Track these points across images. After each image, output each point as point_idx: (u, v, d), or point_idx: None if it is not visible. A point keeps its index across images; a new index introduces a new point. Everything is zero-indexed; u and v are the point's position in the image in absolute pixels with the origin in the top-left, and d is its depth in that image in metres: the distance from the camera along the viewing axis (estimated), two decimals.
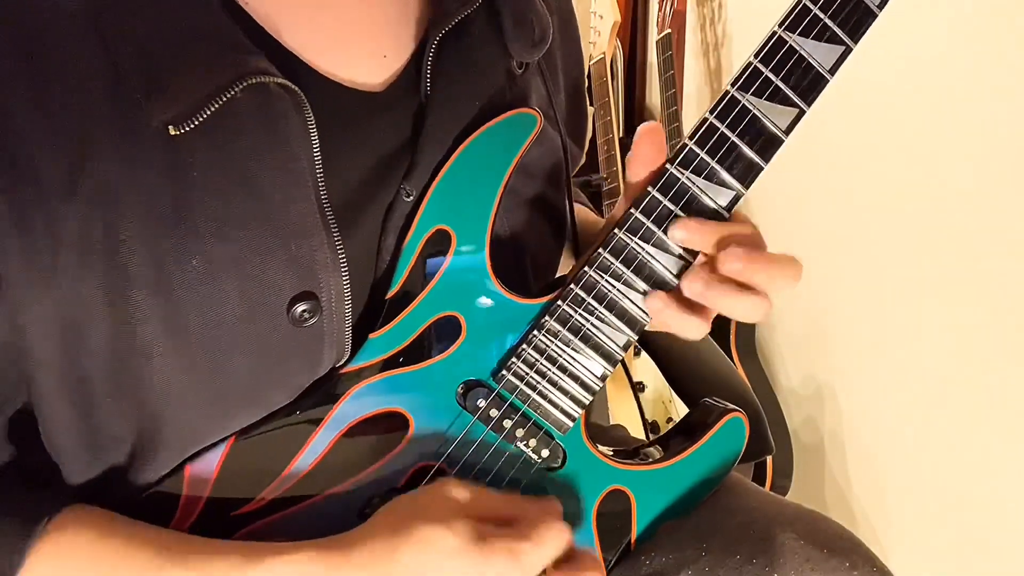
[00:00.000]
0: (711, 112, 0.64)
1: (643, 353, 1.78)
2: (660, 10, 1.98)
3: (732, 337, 1.79)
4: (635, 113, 2.29)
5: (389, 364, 0.65)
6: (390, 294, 0.65)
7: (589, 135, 2.09)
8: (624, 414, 1.78)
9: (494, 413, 0.67)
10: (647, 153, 0.65)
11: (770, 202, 1.78)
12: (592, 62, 2.04)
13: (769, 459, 1.71)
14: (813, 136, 1.53)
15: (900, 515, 1.47)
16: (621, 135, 2.19)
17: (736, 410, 0.74)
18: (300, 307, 0.60)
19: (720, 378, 1.63)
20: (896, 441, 1.46)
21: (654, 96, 2.23)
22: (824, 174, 1.57)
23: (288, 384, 0.63)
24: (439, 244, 0.65)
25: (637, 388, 1.98)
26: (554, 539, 0.59)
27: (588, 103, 0.87)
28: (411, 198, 0.65)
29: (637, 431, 1.74)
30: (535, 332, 0.66)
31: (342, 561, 0.57)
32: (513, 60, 0.70)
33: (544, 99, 0.75)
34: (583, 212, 0.90)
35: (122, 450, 0.61)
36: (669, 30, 1.95)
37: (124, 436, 0.60)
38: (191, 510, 0.62)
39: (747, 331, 1.81)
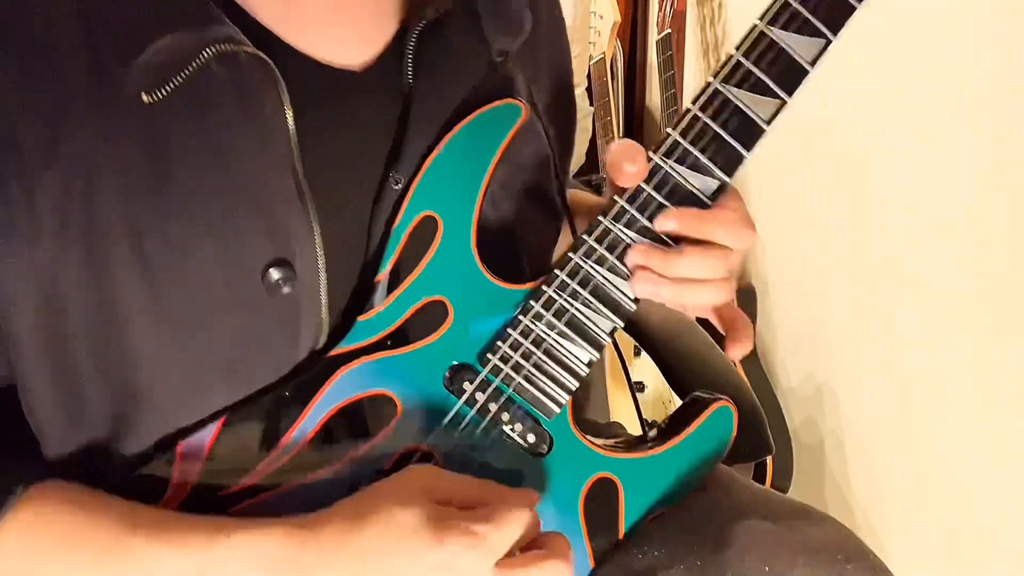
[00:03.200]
0: (694, 103, 0.65)
1: (643, 353, 1.78)
2: (660, 10, 1.99)
3: None
4: (635, 113, 2.30)
5: (377, 347, 0.66)
6: (378, 278, 0.66)
7: (589, 134, 2.10)
8: (624, 413, 1.79)
9: (480, 397, 0.68)
10: (624, 167, 0.66)
11: (770, 202, 1.79)
12: (592, 62, 2.05)
13: (769, 459, 1.71)
14: (813, 136, 1.55)
15: (900, 515, 1.47)
16: (621, 135, 2.20)
17: (723, 399, 0.75)
18: (274, 274, 0.61)
19: (720, 378, 1.64)
20: (896, 441, 1.46)
21: (654, 96, 2.24)
22: (824, 174, 1.58)
23: (267, 358, 0.64)
24: (427, 230, 0.67)
25: (637, 388, 1.98)
26: (516, 522, 0.59)
27: (573, 86, 0.88)
28: (399, 186, 0.66)
29: (637, 431, 1.73)
30: (521, 316, 0.67)
31: (309, 538, 0.59)
32: (492, 49, 0.71)
33: (525, 89, 0.76)
34: (583, 196, 0.91)
35: (102, 422, 0.62)
36: (669, 30, 1.95)
37: (104, 407, 0.61)
38: (182, 490, 0.63)
39: None
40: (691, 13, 1.98)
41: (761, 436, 1.45)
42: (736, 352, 0.71)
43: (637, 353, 1.92)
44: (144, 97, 0.57)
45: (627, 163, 0.65)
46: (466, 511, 0.60)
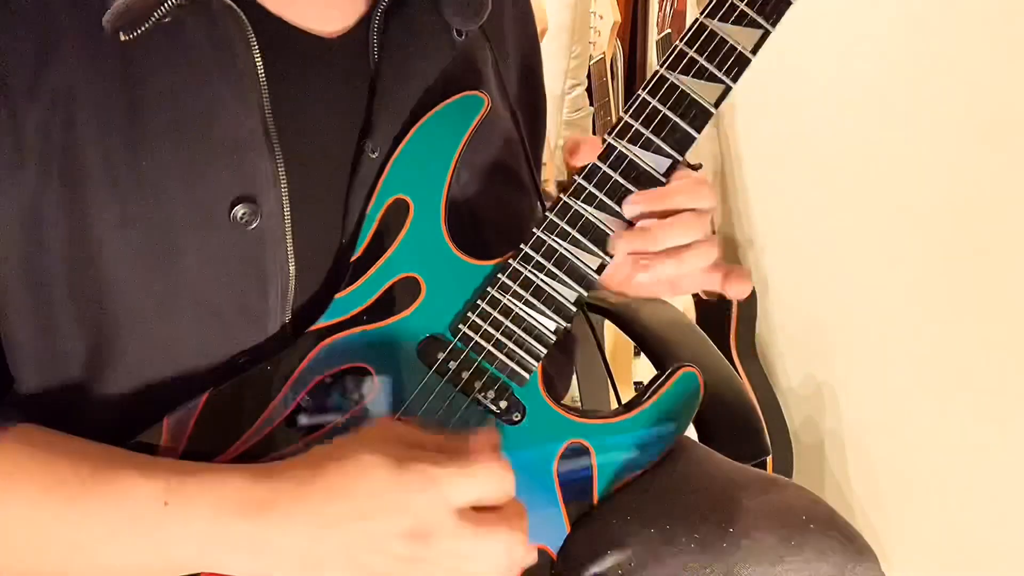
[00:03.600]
0: (643, 89, 0.70)
1: (643, 354, 1.80)
2: (660, 10, 2.01)
3: (732, 337, 1.79)
4: None
5: (353, 322, 0.70)
6: (354, 257, 0.71)
7: (589, 134, 2.11)
8: None
9: (452, 365, 0.72)
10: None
11: (771, 202, 1.79)
12: (592, 62, 2.07)
13: (769, 459, 1.71)
14: (813, 137, 1.56)
15: (900, 514, 1.45)
16: None
17: (689, 365, 0.78)
18: (240, 209, 0.66)
19: (718, 379, 1.64)
20: (896, 441, 1.44)
21: None
22: (824, 174, 1.58)
23: (237, 297, 0.67)
24: (399, 212, 0.71)
25: (637, 388, 1.99)
26: (480, 471, 0.60)
27: (544, 87, 0.92)
28: (376, 155, 0.71)
29: None
30: (489, 288, 0.72)
31: (274, 477, 0.61)
32: (453, 29, 0.75)
33: (490, 67, 0.81)
34: None
35: (77, 357, 0.66)
36: (669, 30, 1.97)
37: (79, 341, 0.65)
38: None
39: (747, 331, 1.81)
40: (691, 13, 1.98)
41: (759, 438, 1.46)
42: (734, 288, 0.73)
43: (637, 353, 1.94)
44: (121, 36, 0.62)
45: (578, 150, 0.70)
46: (432, 455, 0.61)
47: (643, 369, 1.90)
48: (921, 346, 1.36)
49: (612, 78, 2.10)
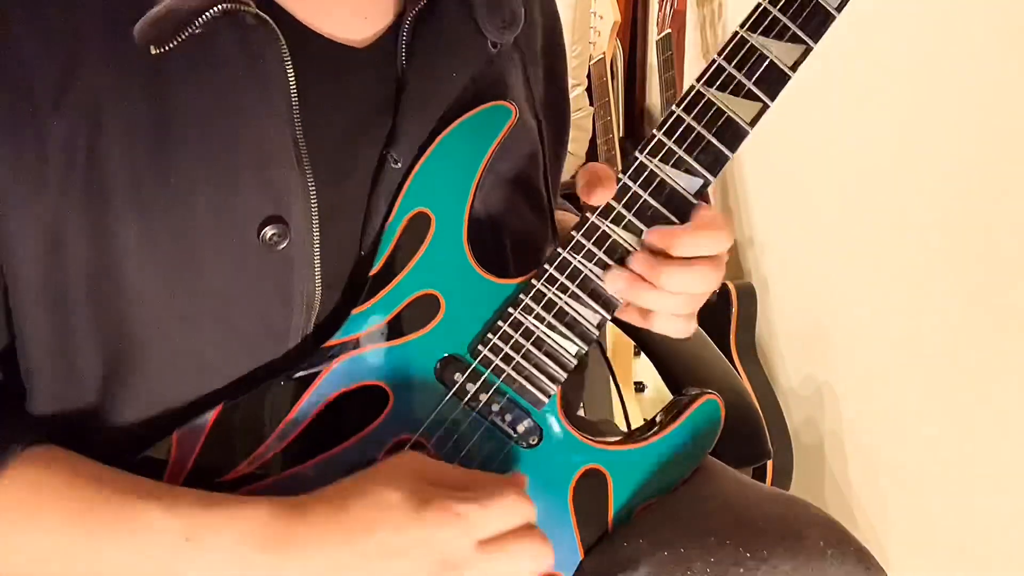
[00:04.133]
0: (678, 105, 0.67)
1: (643, 354, 1.79)
2: (660, 10, 2.00)
3: (732, 337, 1.80)
4: (635, 113, 2.31)
5: (370, 339, 0.68)
6: (373, 271, 0.68)
7: (589, 134, 2.11)
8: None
9: (470, 387, 0.69)
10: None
11: (771, 202, 1.80)
12: (592, 62, 2.06)
13: (769, 461, 1.72)
14: (813, 136, 1.55)
15: (900, 515, 1.46)
16: (621, 135, 2.21)
17: (711, 393, 0.76)
18: (270, 230, 0.63)
19: (719, 381, 1.64)
20: (896, 441, 1.45)
21: (654, 96, 2.25)
22: (824, 174, 1.58)
23: (261, 315, 0.65)
24: (420, 226, 0.69)
25: (637, 388, 1.99)
26: (502, 504, 0.60)
27: (568, 85, 0.90)
28: (399, 165, 0.68)
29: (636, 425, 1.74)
30: (511, 309, 0.69)
31: (296, 514, 0.60)
32: (488, 40, 0.73)
33: (522, 83, 0.78)
34: (569, 218, 0.93)
35: (94, 376, 0.63)
36: (669, 30, 1.96)
37: (96, 359, 0.63)
38: (177, 476, 0.65)
39: (747, 331, 1.82)
40: (691, 13, 1.99)
41: (760, 440, 1.45)
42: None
43: (637, 354, 1.93)
44: (152, 49, 0.59)
45: (598, 188, 0.67)
46: (454, 491, 0.61)
47: (643, 369, 1.90)
48: (921, 346, 1.37)
49: (612, 78, 2.09)
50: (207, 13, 0.60)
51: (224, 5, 0.60)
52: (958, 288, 1.27)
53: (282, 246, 0.64)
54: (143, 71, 0.61)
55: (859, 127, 1.46)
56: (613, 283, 0.68)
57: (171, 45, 0.59)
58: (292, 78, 0.64)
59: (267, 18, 0.62)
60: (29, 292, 0.61)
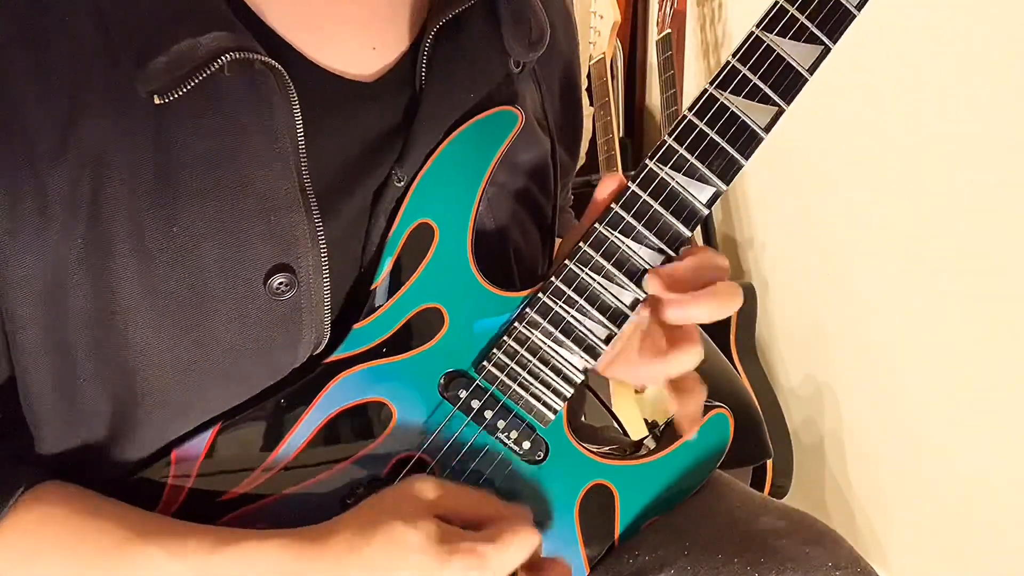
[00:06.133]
0: (690, 110, 0.65)
1: None
2: (660, 10, 1.98)
3: (732, 337, 1.80)
4: (635, 113, 2.29)
5: (372, 354, 0.66)
6: (374, 285, 0.66)
7: (589, 135, 2.09)
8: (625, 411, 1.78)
9: (475, 404, 0.68)
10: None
11: (771, 202, 1.79)
12: (592, 62, 2.04)
13: (769, 460, 1.72)
14: (813, 137, 1.55)
15: (900, 515, 1.47)
16: (621, 135, 2.19)
17: (721, 406, 0.75)
18: (277, 279, 0.62)
19: (719, 382, 1.64)
20: (896, 441, 1.46)
21: (654, 96, 2.24)
22: (825, 175, 1.58)
23: (268, 361, 0.64)
24: (423, 237, 0.66)
25: (637, 388, 1.98)
26: (520, 544, 0.59)
27: (583, 108, 0.88)
28: (402, 183, 0.66)
29: (636, 427, 1.74)
30: (516, 324, 0.67)
31: (310, 551, 0.58)
32: (511, 59, 0.71)
33: (537, 104, 0.77)
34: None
35: (99, 422, 0.62)
36: (669, 30, 1.95)
37: (101, 406, 0.61)
38: (176, 496, 0.64)
39: (747, 331, 1.82)
40: (691, 13, 1.97)
41: (760, 441, 1.45)
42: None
43: None
44: (156, 99, 0.57)
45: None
46: (470, 531, 0.60)
47: None
48: (921, 346, 1.38)
49: (612, 78, 2.07)
50: (216, 62, 0.57)
51: (234, 54, 0.58)
52: (958, 288, 1.27)
53: (290, 295, 0.62)
54: (147, 120, 0.58)
55: (859, 127, 1.46)
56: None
57: (175, 96, 0.57)
58: (300, 124, 0.62)
59: (279, 67, 0.60)
60: (32, 337, 0.59)
